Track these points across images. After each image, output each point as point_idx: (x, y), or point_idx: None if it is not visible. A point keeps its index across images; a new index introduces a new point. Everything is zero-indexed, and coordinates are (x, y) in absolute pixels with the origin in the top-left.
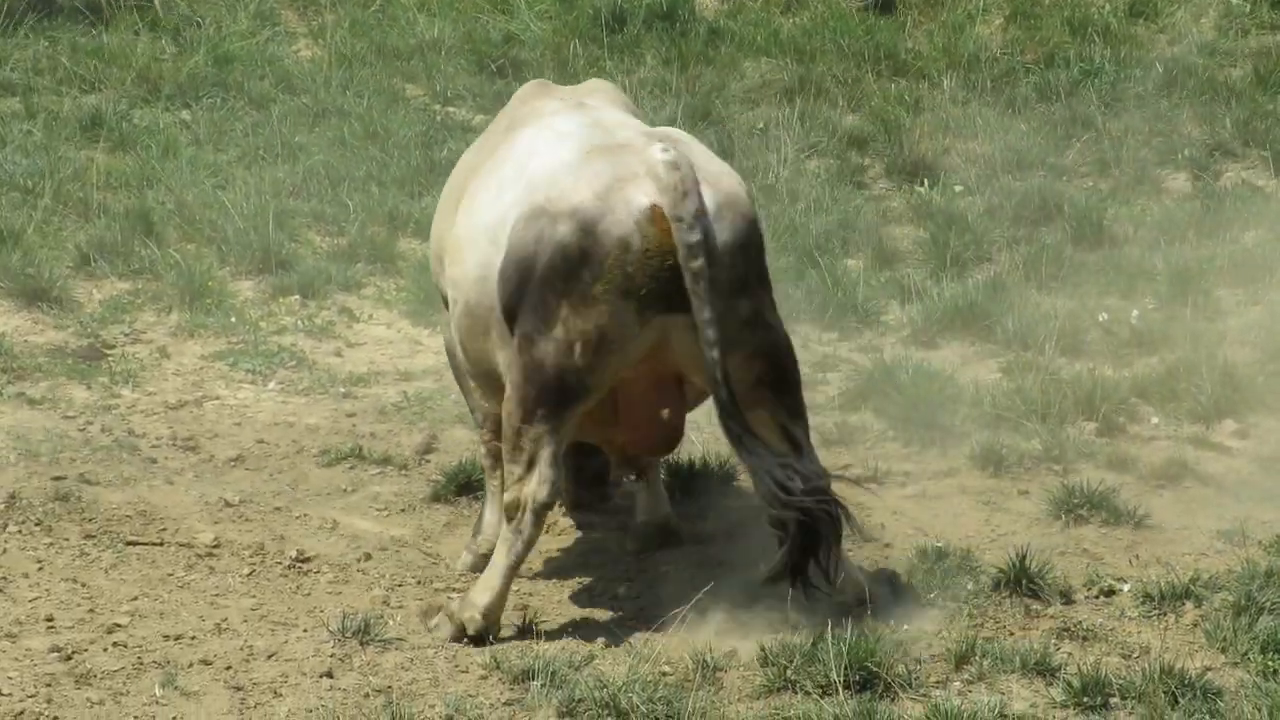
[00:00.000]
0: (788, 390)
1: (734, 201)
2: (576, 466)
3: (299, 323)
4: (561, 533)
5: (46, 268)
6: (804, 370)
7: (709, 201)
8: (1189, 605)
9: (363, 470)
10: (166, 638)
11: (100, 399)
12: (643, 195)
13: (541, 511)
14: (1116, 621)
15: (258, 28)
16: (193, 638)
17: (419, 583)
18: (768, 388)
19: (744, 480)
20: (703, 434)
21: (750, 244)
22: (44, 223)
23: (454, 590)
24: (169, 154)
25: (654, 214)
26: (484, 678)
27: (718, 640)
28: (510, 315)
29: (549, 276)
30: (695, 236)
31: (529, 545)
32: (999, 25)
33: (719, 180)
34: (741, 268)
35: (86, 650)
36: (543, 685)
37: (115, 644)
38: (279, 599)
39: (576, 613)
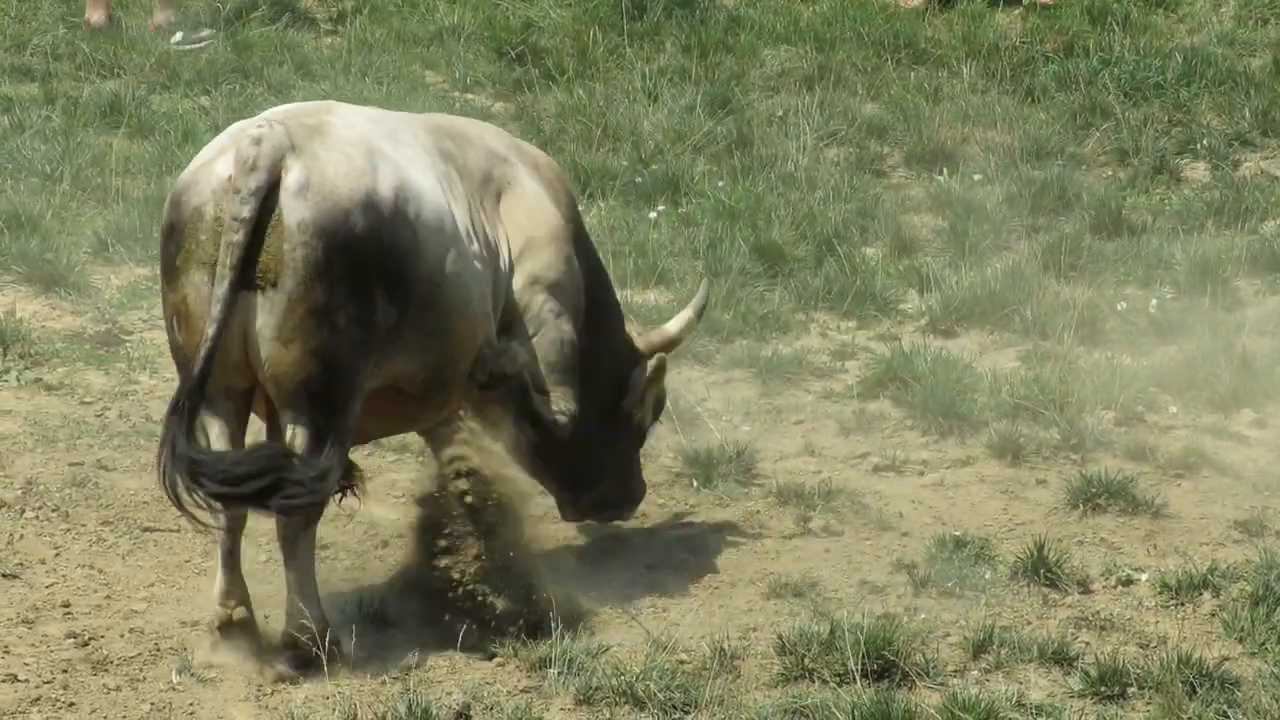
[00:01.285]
0: (323, 405)
1: (329, 186)
2: None
3: None
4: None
5: (64, 253)
6: (822, 359)
7: (294, 178)
8: (1207, 595)
9: (379, 457)
10: (183, 624)
11: (118, 385)
12: (224, 166)
13: None
14: (1134, 611)
15: (277, 14)
16: (209, 624)
17: None
18: (307, 396)
19: (763, 468)
20: (720, 421)
21: (340, 233)
22: (62, 208)
23: None
24: (188, 140)
25: (229, 184)
26: (501, 665)
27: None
28: None
29: (159, 254)
30: (244, 211)
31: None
32: (1018, 14)
33: (325, 165)
34: (321, 253)
35: (103, 636)
36: (560, 673)
37: (132, 630)
38: None
39: (594, 601)
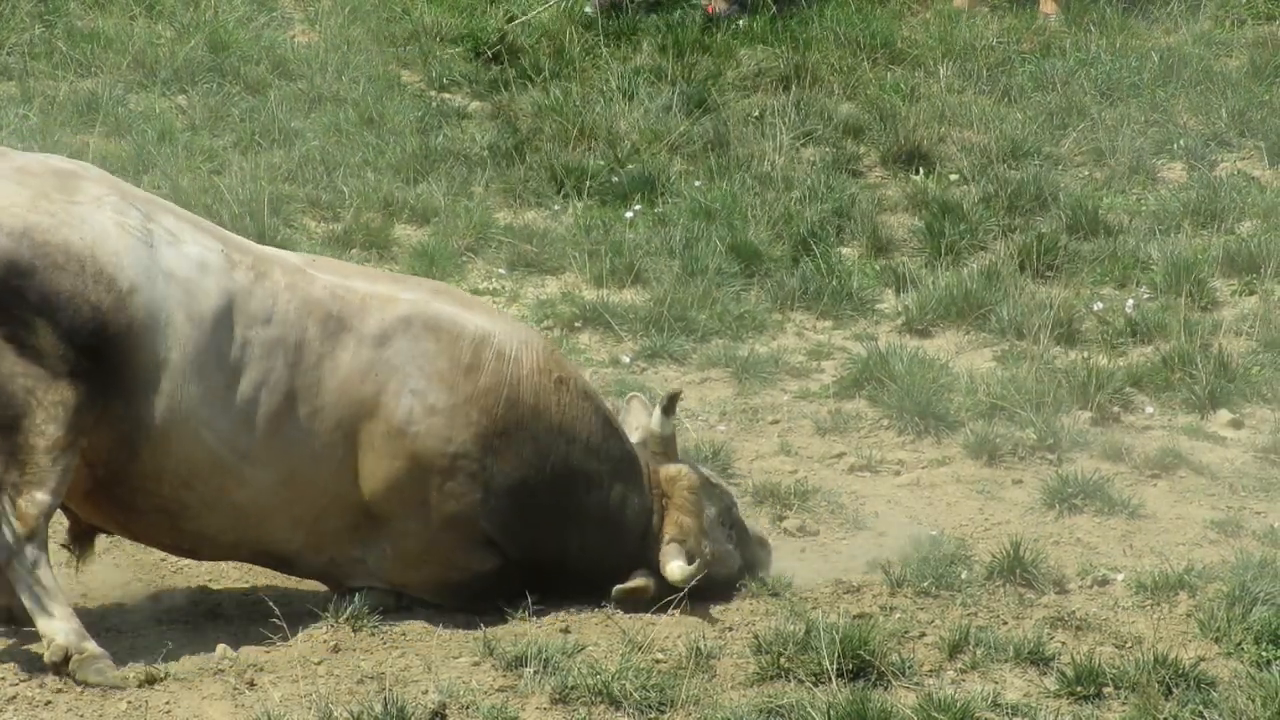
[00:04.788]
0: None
1: None
2: None
3: None
4: None
5: None
6: (799, 359)
7: None
8: (1183, 595)
9: None
10: (159, 623)
11: None
12: None
13: None
14: (1110, 611)
15: (254, 13)
16: (186, 623)
17: None
18: None
19: (739, 467)
20: (696, 421)
21: None
22: None
23: None
24: (165, 139)
25: None
26: (476, 664)
27: None
28: None
29: None
30: None
31: None
32: (995, 14)
33: None
34: None
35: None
36: (535, 672)
37: (108, 629)
38: (272, 584)
39: (570, 600)
